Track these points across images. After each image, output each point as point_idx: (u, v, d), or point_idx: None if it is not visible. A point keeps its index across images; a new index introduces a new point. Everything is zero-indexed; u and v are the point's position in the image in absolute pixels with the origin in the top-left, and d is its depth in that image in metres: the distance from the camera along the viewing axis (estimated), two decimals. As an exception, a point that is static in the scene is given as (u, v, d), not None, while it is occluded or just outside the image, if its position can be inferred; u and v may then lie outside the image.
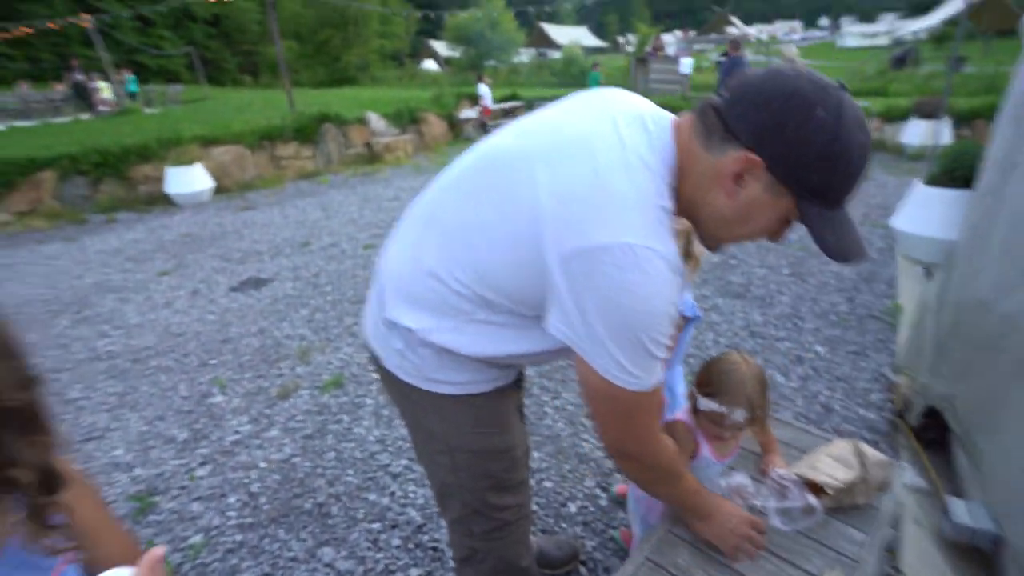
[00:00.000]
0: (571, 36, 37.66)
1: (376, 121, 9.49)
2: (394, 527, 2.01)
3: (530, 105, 14.54)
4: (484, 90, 12.01)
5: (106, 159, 7.51)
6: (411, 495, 2.15)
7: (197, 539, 2.00)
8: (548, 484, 2.18)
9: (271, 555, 1.93)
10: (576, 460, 2.31)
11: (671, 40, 19.22)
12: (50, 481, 0.55)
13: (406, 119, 9.99)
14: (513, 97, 14.83)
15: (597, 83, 13.10)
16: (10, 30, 16.30)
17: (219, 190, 7.78)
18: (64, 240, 6.21)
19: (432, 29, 38.41)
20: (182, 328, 3.76)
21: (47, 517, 0.56)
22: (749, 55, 8.67)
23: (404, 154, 9.33)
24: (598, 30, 54.48)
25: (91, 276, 4.95)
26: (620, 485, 2.12)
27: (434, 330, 1.00)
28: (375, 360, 1.15)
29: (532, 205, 0.85)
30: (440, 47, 35.91)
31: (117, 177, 7.60)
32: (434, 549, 1.92)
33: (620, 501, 2.06)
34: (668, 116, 0.93)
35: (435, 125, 10.65)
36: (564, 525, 2.00)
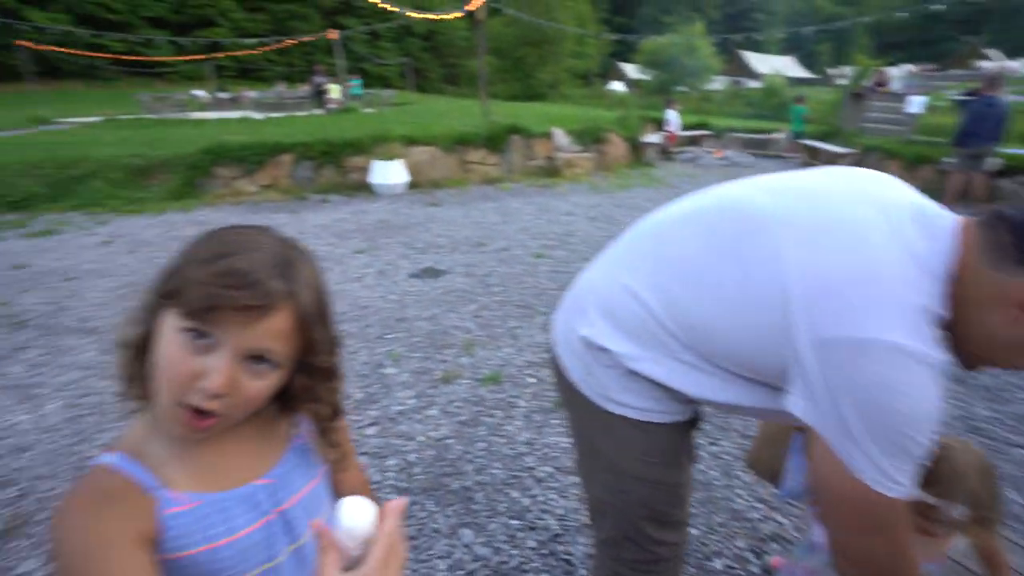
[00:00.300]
0: (774, 65, 35.31)
1: (560, 137, 9.80)
2: (532, 529, 2.05)
3: (719, 135, 13.93)
4: (672, 115, 11.76)
5: (329, 149, 8.77)
6: (551, 503, 2.17)
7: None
8: (695, 532, 2.05)
9: (418, 521, 2.08)
10: (728, 515, 2.15)
11: (897, 74, 16.96)
12: (336, 414, 0.72)
13: (590, 137, 10.15)
14: (702, 125, 14.33)
15: (800, 118, 12.10)
16: (280, 42, 20.38)
17: (412, 185, 8.63)
18: (289, 212, 7.36)
19: (624, 52, 38.74)
20: (367, 302, 4.23)
21: (329, 437, 0.73)
22: (1009, 95, 7.31)
23: (583, 171, 9.50)
24: (807, 60, 50.31)
25: (304, 243, 5.79)
26: (776, 557, 1.92)
27: (630, 357, 1.01)
28: (557, 367, 1.19)
29: (784, 278, 0.83)
30: (630, 69, 36.02)
31: (335, 165, 8.82)
32: (567, 561, 1.91)
33: (770, 573, 1.87)
34: (949, 216, 0.86)
35: (617, 146, 10.65)
36: (706, 578, 1.86)
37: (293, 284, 0.61)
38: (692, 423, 1.14)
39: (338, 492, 0.78)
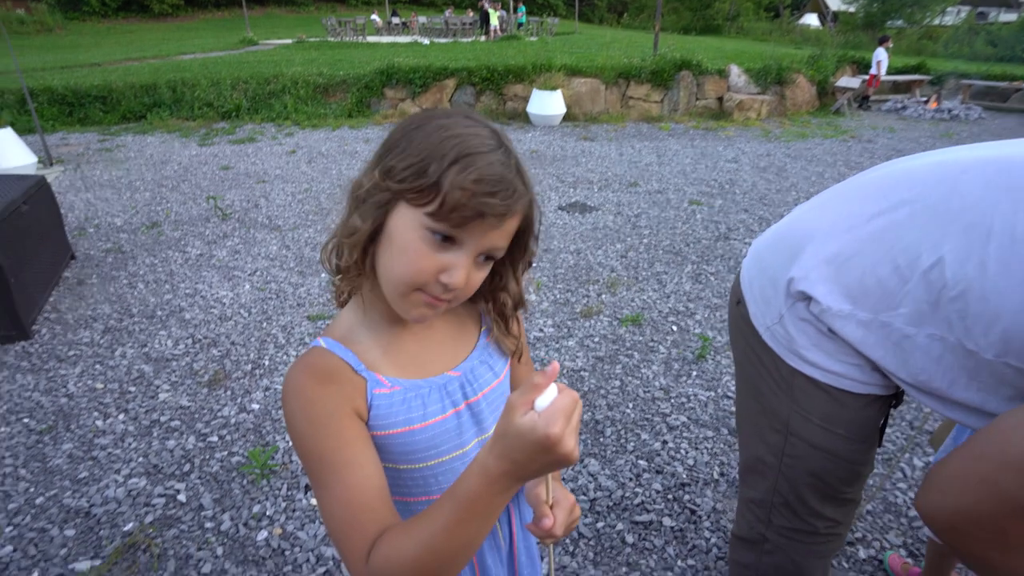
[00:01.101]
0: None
1: (737, 75, 8.86)
2: (659, 472, 2.01)
3: (938, 80, 11.63)
4: (882, 55, 9.99)
5: (490, 75, 8.82)
6: (683, 452, 2.10)
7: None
8: (841, 513, 1.88)
9: (546, 444, 2.14)
10: (883, 506, 1.93)
11: None
12: (519, 304, 0.75)
13: (771, 78, 9.01)
14: (918, 68, 12.02)
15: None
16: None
17: (567, 117, 8.44)
18: (448, 136, 7.62)
19: (826, -21, 33.33)
20: (516, 229, 4.30)
21: (509, 326, 0.76)
22: None
23: (756, 115, 8.56)
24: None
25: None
26: (894, 555, 1.71)
27: (840, 314, 0.87)
28: (739, 309, 1.08)
29: None
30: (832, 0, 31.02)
31: (494, 91, 8.88)
32: (692, 511, 1.86)
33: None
34: None
35: (802, 89, 9.34)
36: (847, 567, 1.71)
37: (529, 187, 0.62)
38: (891, 400, 0.98)
39: (515, 381, 0.81)
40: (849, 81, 9.88)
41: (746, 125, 8.18)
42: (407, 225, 0.59)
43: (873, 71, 10.03)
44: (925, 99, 10.45)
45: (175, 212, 4.80)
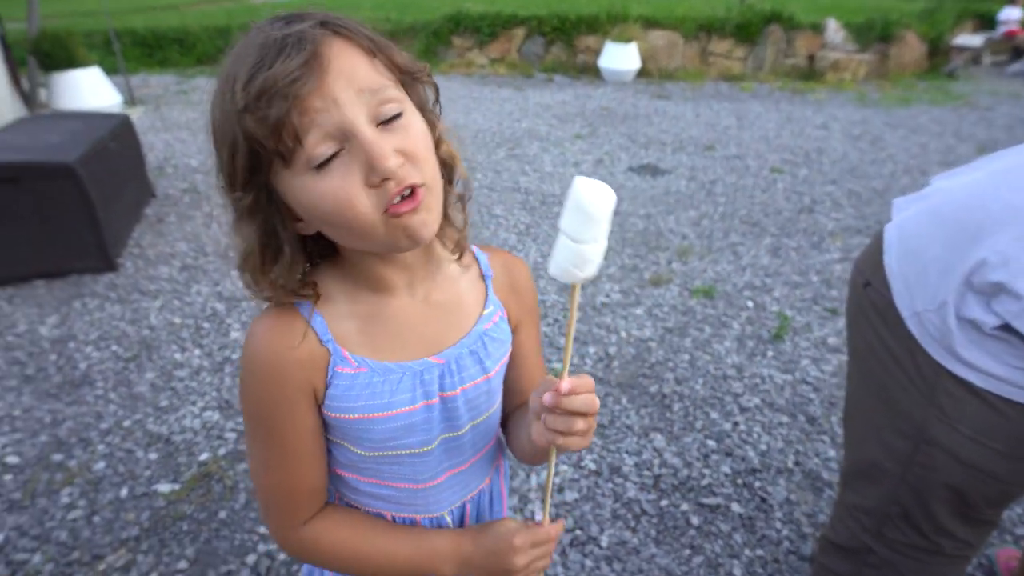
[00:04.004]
0: None
1: (834, 31, 8.06)
2: (728, 455, 1.92)
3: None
4: (1014, 13, 8.79)
5: (562, 25, 8.43)
6: (755, 435, 2.00)
7: (557, 367, 2.29)
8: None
9: (610, 412, 2.08)
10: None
11: None
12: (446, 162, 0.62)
13: (874, 34, 8.07)
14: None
15: None
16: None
17: (641, 73, 8.01)
18: (514, 88, 7.40)
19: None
20: (583, 189, 4.14)
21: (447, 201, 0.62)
22: None
23: (852, 77, 7.78)
24: None
25: (526, 122, 5.82)
26: (1005, 550, 1.56)
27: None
28: (870, 287, 0.95)
29: None
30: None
31: (565, 43, 8.51)
32: (763, 499, 1.77)
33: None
34: None
35: (910, 48, 8.24)
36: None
37: (336, 19, 0.52)
38: None
39: (513, 389, 0.73)
40: (969, 39, 8.71)
41: (839, 88, 7.51)
42: (295, 190, 0.51)
43: (1004, 29, 8.85)
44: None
45: (247, 155, 4.90)
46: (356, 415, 0.59)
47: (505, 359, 0.69)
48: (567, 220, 0.50)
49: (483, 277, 0.68)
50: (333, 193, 0.49)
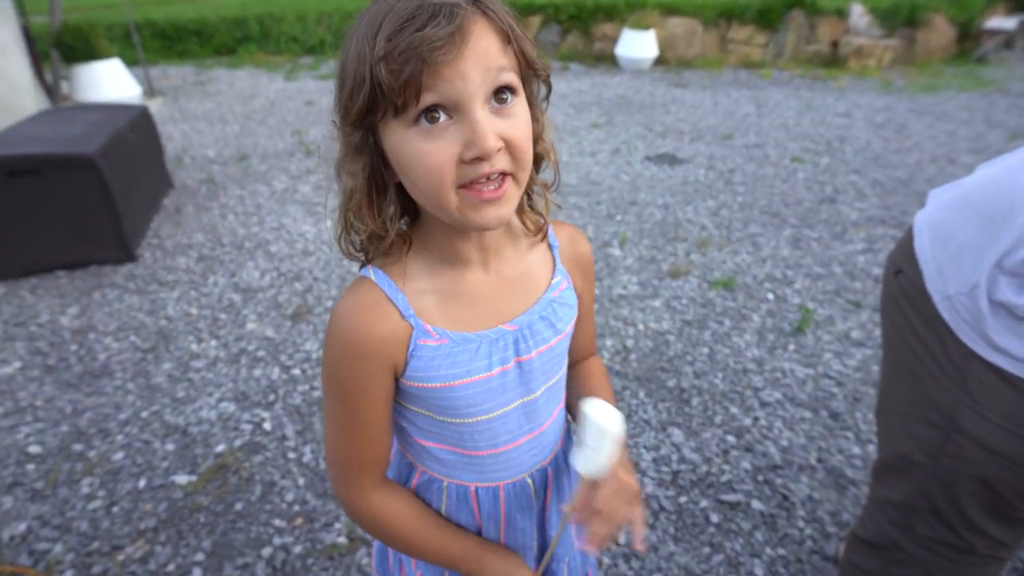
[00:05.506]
0: None
1: (859, 16, 7.84)
2: (748, 450, 1.88)
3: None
4: None
5: (578, 12, 8.31)
6: (776, 431, 1.95)
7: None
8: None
9: (627, 406, 2.05)
10: None
11: None
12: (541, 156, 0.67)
13: (900, 18, 7.81)
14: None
15: None
16: None
17: (659, 61, 7.87)
18: (530, 78, 7.32)
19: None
20: (599, 178, 4.09)
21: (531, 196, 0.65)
22: None
23: (876, 63, 7.56)
24: None
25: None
26: None
27: None
28: (901, 275, 0.91)
29: None
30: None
31: (581, 31, 8.39)
32: (784, 497, 1.73)
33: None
34: None
35: (940, 33, 7.97)
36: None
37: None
38: None
39: (578, 371, 0.81)
40: (1002, 22, 8.35)
41: (862, 74, 7.31)
42: (396, 141, 0.54)
43: None
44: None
45: (261, 146, 4.91)
46: (438, 384, 0.63)
47: (574, 321, 0.73)
48: (585, 434, 0.63)
49: (550, 248, 0.73)
50: (429, 155, 0.52)
